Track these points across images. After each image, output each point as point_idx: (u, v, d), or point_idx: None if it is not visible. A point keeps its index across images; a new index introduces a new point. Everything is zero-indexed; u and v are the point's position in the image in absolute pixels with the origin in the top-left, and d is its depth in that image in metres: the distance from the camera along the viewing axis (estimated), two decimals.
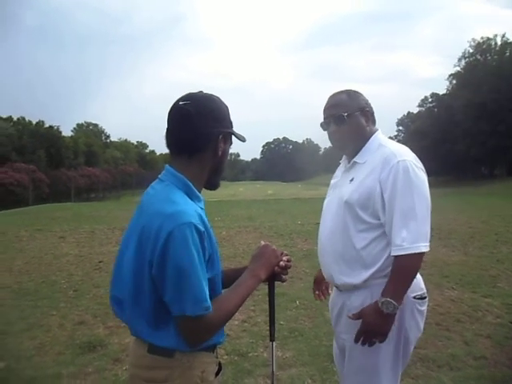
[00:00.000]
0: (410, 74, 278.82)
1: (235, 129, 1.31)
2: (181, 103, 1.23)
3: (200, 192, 1.29)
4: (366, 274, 1.65)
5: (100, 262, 7.21)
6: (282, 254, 1.40)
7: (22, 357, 3.43)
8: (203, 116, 1.21)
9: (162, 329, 1.16)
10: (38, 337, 3.84)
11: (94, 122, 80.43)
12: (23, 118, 55.62)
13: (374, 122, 1.75)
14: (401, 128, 71.30)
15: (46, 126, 54.61)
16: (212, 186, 1.33)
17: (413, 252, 1.51)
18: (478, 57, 49.61)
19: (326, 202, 1.86)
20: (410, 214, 1.54)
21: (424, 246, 1.54)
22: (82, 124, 78.46)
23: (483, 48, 49.01)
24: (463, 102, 45.28)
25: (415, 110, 63.58)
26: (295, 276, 5.70)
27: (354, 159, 1.73)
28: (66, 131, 60.82)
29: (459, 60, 50.85)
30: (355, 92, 1.75)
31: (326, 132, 1.78)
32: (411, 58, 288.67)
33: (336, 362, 1.99)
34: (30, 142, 52.27)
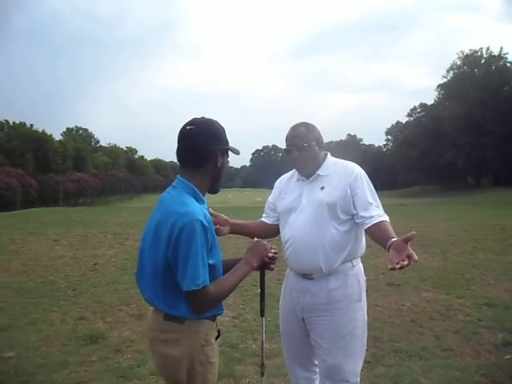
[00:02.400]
0: (400, 83, 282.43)
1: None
2: (188, 127, 1.61)
3: (204, 196, 1.65)
4: (340, 259, 2.12)
5: (95, 264, 7.48)
6: (271, 247, 1.77)
7: (30, 347, 3.72)
8: (206, 137, 1.58)
9: (175, 301, 1.51)
10: (42, 330, 4.12)
11: (83, 126, 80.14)
12: (8, 121, 54.99)
13: (323, 147, 2.25)
14: (389, 137, 72.52)
15: (35, 129, 54.20)
16: (214, 190, 1.70)
17: (387, 219, 2.05)
18: (466, 69, 50.78)
19: (289, 209, 2.22)
20: (376, 200, 2.12)
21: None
22: (72, 128, 78.16)
23: (470, 60, 50.20)
24: (450, 113, 46.27)
25: (404, 120, 64.61)
26: (282, 278, 6.03)
27: (318, 172, 2.20)
28: (56, 135, 60.39)
29: (447, 71, 52.05)
30: (312, 125, 2.21)
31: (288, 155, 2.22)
32: (402, 68, 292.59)
33: (292, 349, 2.35)
34: (19, 146, 51.89)
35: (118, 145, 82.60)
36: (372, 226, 2.03)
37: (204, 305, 1.51)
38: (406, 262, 1.60)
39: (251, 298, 5.21)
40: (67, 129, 76.63)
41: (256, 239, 1.78)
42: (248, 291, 5.54)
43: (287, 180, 2.36)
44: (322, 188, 2.17)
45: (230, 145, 1.68)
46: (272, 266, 1.79)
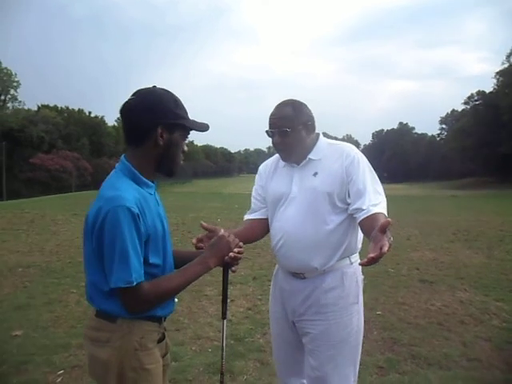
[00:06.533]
0: (455, 70, 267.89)
1: None
2: (129, 99, 1.38)
3: (152, 178, 1.43)
4: (337, 255, 1.86)
5: None
6: (236, 244, 1.51)
7: (39, 327, 3.75)
8: (140, 109, 1.34)
9: (108, 297, 1.32)
10: (55, 311, 4.16)
11: None
12: (67, 108, 57.60)
13: (313, 130, 1.95)
14: (444, 126, 68.99)
15: (91, 115, 56.70)
16: (166, 173, 1.46)
17: (381, 210, 1.75)
18: None
19: (278, 199, 1.95)
20: (374, 188, 1.84)
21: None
22: None
23: None
24: (510, 101, 43.18)
25: (460, 108, 61.13)
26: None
27: (309, 156, 1.92)
28: (110, 121, 62.73)
29: (507, 57, 48.40)
30: (300, 104, 1.90)
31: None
32: (458, 53, 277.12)
33: (282, 354, 2.10)
34: (75, 131, 54.39)
35: None
36: (364, 219, 1.74)
37: (136, 305, 1.31)
38: (372, 255, 1.32)
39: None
40: None
41: (222, 233, 1.52)
42: (271, 281, 5.35)
43: (273, 165, 2.08)
44: (315, 174, 1.89)
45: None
46: (233, 268, 1.55)
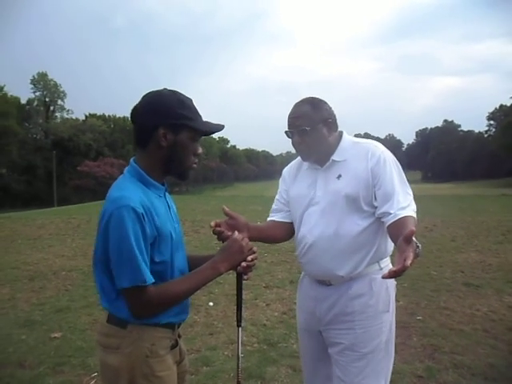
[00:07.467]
0: (502, 63, 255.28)
1: None
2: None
3: (161, 180, 1.41)
4: (365, 261, 1.76)
5: None
6: (249, 249, 1.44)
7: (76, 329, 3.86)
8: (144, 112, 1.33)
9: (118, 301, 1.30)
10: (94, 314, 4.26)
11: None
12: (113, 116, 59.91)
13: (335, 128, 1.84)
14: (492, 122, 65.89)
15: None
16: (176, 176, 1.43)
17: (410, 213, 1.66)
18: None
19: (301, 203, 1.87)
20: (403, 189, 1.73)
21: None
22: None
23: None
24: None
25: (509, 103, 58.33)
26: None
27: (332, 158, 1.81)
28: None
29: None
30: (319, 101, 1.80)
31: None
32: (504, 46, 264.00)
33: (311, 362, 1.99)
34: (120, 138, 56.42)
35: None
36: (391, 224, 1.63)
37: (140, 308, 1.28)
38: (394, 269, 1.22)
39: None
40: None
41: (235, 236, 1.45)
42: None
43: (296, 167, 1.99)
44: (339, 177, 1.78)
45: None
46: (246, 276, 1.48)
